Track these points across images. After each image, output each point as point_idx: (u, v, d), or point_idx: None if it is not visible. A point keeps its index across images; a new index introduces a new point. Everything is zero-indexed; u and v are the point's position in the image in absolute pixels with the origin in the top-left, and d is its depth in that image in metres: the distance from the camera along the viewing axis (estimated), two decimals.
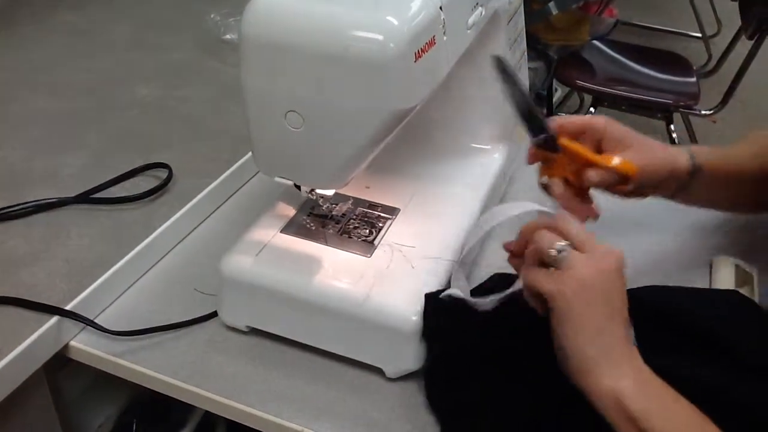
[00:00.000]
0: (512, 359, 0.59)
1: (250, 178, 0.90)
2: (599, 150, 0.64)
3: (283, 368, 0.64)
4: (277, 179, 0.61)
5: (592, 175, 0.62)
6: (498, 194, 0.67)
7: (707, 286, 0.74)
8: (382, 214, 0.71)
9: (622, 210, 0.70)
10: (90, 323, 0.66)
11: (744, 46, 1.96)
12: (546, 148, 0.63)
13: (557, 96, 2.51)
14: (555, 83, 2.31)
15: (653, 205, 0.70)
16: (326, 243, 0.67)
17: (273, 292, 0.63)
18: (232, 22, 1.15)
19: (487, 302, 0.60)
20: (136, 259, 0.73)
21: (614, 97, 2.09)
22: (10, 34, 1.16)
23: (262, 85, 0.56)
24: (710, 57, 2.96)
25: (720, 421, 0.49)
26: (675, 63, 2.24)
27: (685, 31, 3.28)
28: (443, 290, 0.62)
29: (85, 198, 0.80)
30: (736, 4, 2.03)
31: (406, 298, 0.61)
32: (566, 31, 2.10)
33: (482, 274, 0.71)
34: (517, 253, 0.59)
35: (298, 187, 0.64)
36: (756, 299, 0.70)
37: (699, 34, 3.13)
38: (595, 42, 2.25)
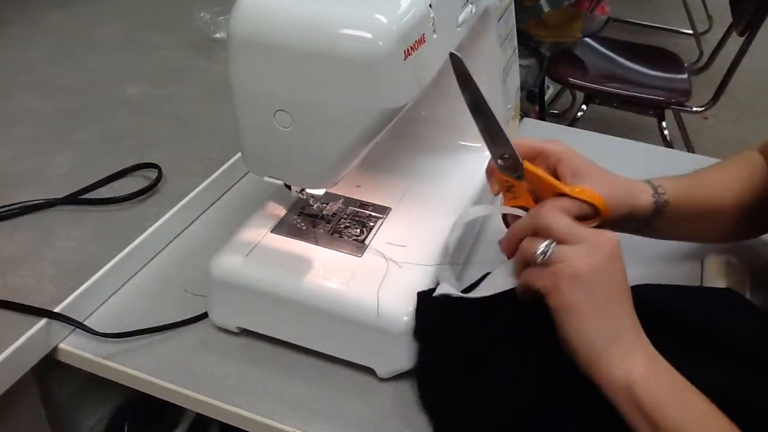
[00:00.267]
0: (507, 355, 0.59)
1: (241, 178, 0.89)
2: (554, 177, 0.59)
3: (275, 369, 0.64)
4: (267, 179, 0.61)
5: (566, 203, 0.57)
6: (488, 192, 0.67)
7: (699, 283, 0.74)
8: (373, 214, 0.71)
9: None
10: (79, 325, 0.66)
11: (735, 42, 1.97)
12: (509, 170, 0.58)
13: (549, 93, 2.51)
14: (547, 80, 2.31)
15: None
16: (317, 243, 0.67)
17: (263, 292, 0.63)
18: (222, 21, 1.14)
19: (483, 288, 0.59)
20: (126, 261, 0.72)
21: (606, 94, 2.09)
22: None
23: (250, 84, 0.55)
24: (701, 53, 2.97)
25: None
26: (666, 60, 2.24)
27: (676, 28, 3.29)
28: (435, 288, 0.62)
29: (74, 199, 0.79)
30: (727, 0, 2.03)
31: (397, 298, 0.61)
32: (558, 28, 2.10)
33: (475, 273, 0.70)
34: (510, 255, 0.58)
35: (289, 187, 0.64)
36: (747, 296, 0.70)
37: (690, 31, 3.14)
38: (587, 39, 2.25)
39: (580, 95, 2.35)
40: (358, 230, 0.68)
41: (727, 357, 0.56)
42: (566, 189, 0.57)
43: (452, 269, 0.65)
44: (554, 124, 1.01)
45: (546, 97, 2.39)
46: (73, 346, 0.66)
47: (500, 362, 0.59)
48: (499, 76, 0.79)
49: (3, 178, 0.82)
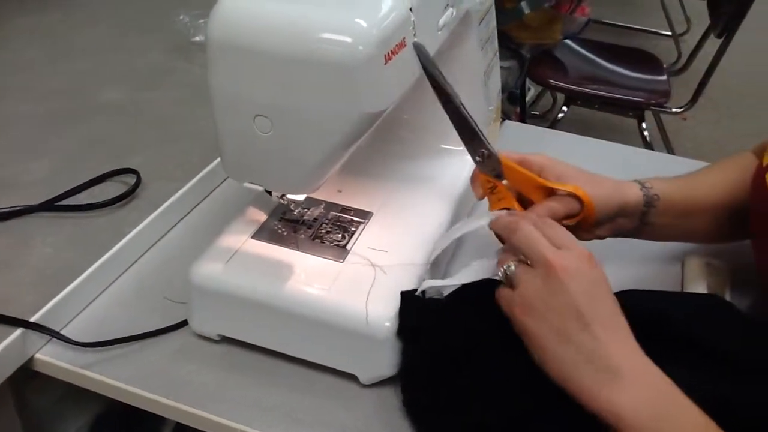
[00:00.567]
0: (500, 354, 0.58)
1: (221, 183, 0.88)
2: None
3: (256, 377, 0.63)
4: (247, 185, 0.60)
5: (552, 204, 0.58)
6: (470, 196, 0.66)
7: (679, 285, 0.74)
8: (355, 218, 0.70)
9: None
10: (56, 335, 0.65)
11: (713, 44, 1.99)
12: (488, 168, 0.59)
13: (530, 95, 2.52)
14: (528, 82, 2.32)
15: None
16: (298, 248, 0.66)
17: (244, 299, 0.62)
18: (202, 24, 1.13)
19: (464, 275, 0.59)
20: (104, 268, 0.71)
21: (586, 96, 2.10)
22: None
23: (229, 88, 0.54)
24: (680, 55, 3.00)
25: None
26: (646, 61, 2.26)
27: (655, 30, 3.32)
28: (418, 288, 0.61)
29: (51, 205, 0.77)
30: (705, 2, 2.06)
31: (380, 304, 0.60)
32: (539, 30, 2.11)
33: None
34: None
35: (269, 192, 0.63)
36: (727, 297, 0.71)
37: (669, 33, 3.17)
38: (568, 41, 2.27)
39: (560, 97, 2.36)
40: (340, 235, 0.68)
41: (710, 362, 0.56)
42: (546, 182, 0.58)
43: (436, 274, 0.64)
44: (535, 126, 1.01)
45: (527, 99, 2.40)
46: (50, 356, 0.65)
47: (493, 362, 0.58)
48: (481, 78, 0.79)
49: None
